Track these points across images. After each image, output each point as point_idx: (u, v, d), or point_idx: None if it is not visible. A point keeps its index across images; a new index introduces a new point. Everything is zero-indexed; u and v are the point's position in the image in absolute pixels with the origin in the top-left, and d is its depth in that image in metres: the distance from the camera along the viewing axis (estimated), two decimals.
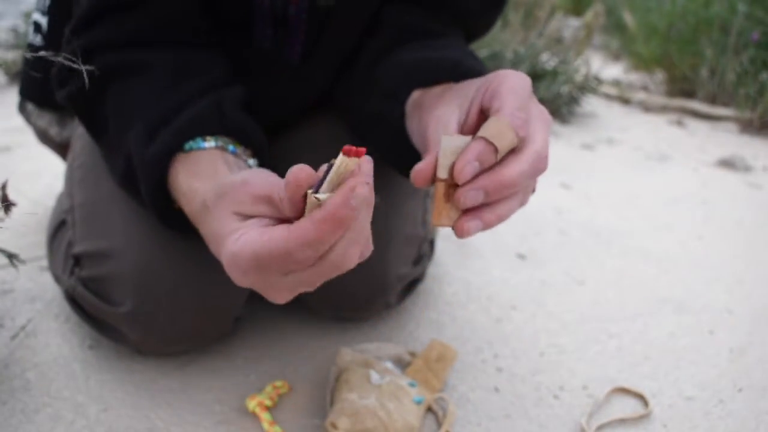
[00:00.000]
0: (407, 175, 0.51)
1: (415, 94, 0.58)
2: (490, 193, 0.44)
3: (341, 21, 0.66)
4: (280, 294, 0.43)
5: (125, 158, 0.56)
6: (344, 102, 0.71)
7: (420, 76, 0.59)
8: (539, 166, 0.45)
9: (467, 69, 0.57)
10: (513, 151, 0.45)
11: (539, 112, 0.48)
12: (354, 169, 0.37)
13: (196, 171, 0.52)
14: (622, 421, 0.67)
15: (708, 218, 1.28)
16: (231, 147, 0.55)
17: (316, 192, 0.38)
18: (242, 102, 0.60)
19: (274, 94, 0.70)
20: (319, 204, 0.37)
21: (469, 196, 0.44)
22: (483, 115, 0.48)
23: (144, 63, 0.57)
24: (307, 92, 0.72)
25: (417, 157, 0.53)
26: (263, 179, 0.44)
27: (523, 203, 0.48)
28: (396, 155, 0.61)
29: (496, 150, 0.43)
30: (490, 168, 0.44)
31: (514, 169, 0.44)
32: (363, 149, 0.37)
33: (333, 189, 0.37)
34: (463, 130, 0.49)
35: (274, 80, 0.70)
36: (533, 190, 0.49)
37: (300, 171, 0.38)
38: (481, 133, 0.44)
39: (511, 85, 0.47)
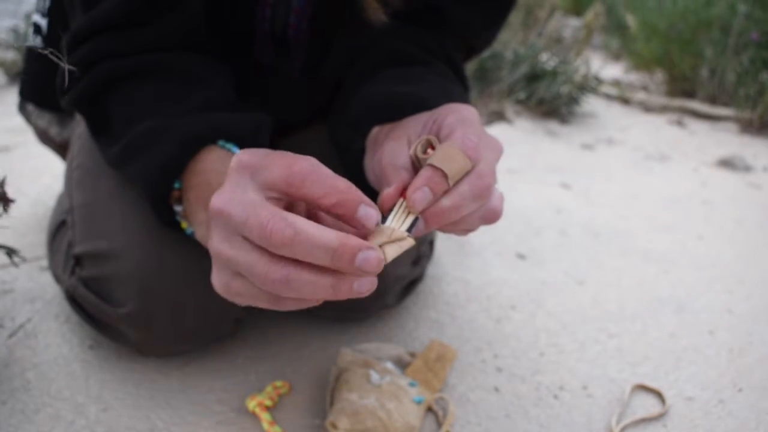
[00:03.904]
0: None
1: (374, 130, 0.58)
2: (430, 222, 0.44)
3: (345, 41, 0.67)
4: (218, 276, 0.42)
5: (138, 132, 0.55)
6: (330, 120, 0.71)
7: (382, 113, 0.58)
8: (480, 188, 0.44)
9: (431, 108, 0.56)
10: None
11: (489, 139, 0.48)
12: (417, 216, 0.42)
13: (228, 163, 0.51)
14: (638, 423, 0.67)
15: (708, 218, 1.28)
16: None
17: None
18: (270, 133, 0.60)
19: (273, 107, 0.70)
20: (375, 228, 0.39)
21: (416, 195, 0.42)
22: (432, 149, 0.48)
23: (153, 68, 0.57)
24: (307, 105, 0.73)
25: (372, 191, 0.54)
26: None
27: (486, 222, 0.48)
28: (359, 184, 0.61)
29: (445, 175, 0.42)
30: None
31: (454, 194, 0.44)
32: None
33: (397, 225, 0.42)
34: (414, 165, 0.48)
35: (274, 93, 0.70)
36: (496, 214, 0.48)
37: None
38: (430, 160, 0.43)
39: (458, 116, 0.47)
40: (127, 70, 0.57)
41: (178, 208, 0.55)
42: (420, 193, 0.42)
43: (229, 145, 0.54)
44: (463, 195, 0.44)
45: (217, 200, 0.39)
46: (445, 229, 0.48)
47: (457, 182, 0.44)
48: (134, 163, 0.55)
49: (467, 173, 0.44)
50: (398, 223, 0.42)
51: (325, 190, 0.37)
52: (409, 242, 0.41)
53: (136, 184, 0.56)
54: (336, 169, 0.64)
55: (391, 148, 0.49)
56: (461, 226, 0.48)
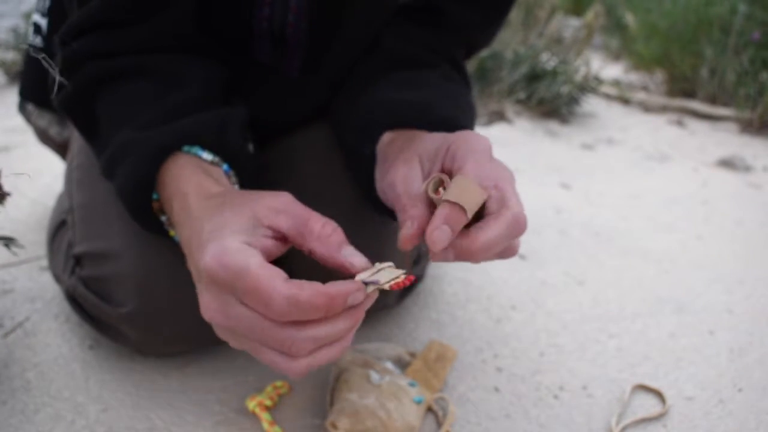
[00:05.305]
0: (372, 204, 0.55)
1: (385, 138, 0.58)
2: (464, 256, 0.44)
3: (344, 40, 0.67)
4: (222, 331, 0.44)
5: (114, 147, 0.55)
6: (332, 122, 0.71)
7: (390, 119, 0.58)
8: (517, 228, 0.45)
9: (437, 118, 0.56)
10: (491, 214, 0.45)
11: (503, 170, 0.48)
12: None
13: (191, 172, 0.52)
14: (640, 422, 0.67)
15: (708, 218, 1.28)
16: (226, 166, 0.55)
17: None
18: (244, 125, 0.60)
19: (272, 105, 0.70)
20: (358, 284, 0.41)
21: (435, 235, 0.43)
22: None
23: (137, 69, 0.57)
24: (306, 105, 0.73)
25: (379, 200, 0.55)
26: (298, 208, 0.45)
27: (503, 258, 0.48)
28: (366, 189, 0.61)
29: (463, 210, 0.42)
30: (467, 227, 0.44)
31: (490, 232, 0.44)
32: (411, 277, 0.41)
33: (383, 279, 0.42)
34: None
35: (272, 92, 0.70)
36: (515, 251, 0.49)
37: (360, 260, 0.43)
38: (446, 195, 0.43)
39: (471, 147, 0.47)
40: (111, 72, 0.57)
41: (164, 218, 0.55)
42: (439, 232, 0.42)
43: (194, 150, 0.54)
44: (500, 236, 0.44)
45: (205, 308, 0.42)
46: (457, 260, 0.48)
47: (490, 220, 0.44)
48: (113, 180, 0.56)
49: (485, 202, 0.45)
50: (384, 277, 0.42)
51: (316, 311, 0.39)
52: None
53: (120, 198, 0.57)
54: (341, 170, 0.63)
55: (404, 173, 0.49)
56: (476, 261, 0.47)
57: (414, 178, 0.48)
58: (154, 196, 0.54)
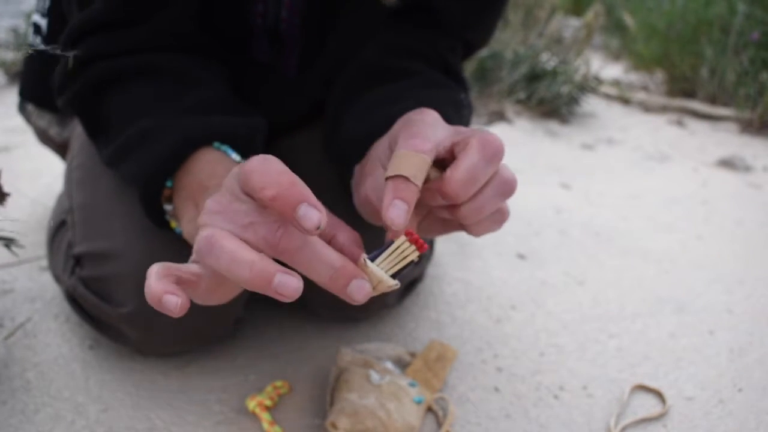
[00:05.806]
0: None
1: (357, 170, 0.57)
2: (451, 196, 0.41)
3: (339, 37, 0.67)
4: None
5: (130, 134, 0.54)
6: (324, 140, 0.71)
7: (368, 143, 0.56)
8: (491, 150, 0.42)
9: None
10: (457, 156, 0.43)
11: (454, 128, 0.46)
12: (413, 260, 0.38)
13: (226, 168, 0.51)
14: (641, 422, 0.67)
15: (708, 218, 1.28)
16: None
17: (372, 260, 0.38)
18: (265, 135, 0.60)
19: (272, 106, 0.70)
20: (365, 268, 0.38)
21: (391, 213, 0.39)
22: None
23: (138, 69, 0.57)
24: (304, 103, 0.73)
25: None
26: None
27: (498, 221, 0.46)
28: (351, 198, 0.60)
29: (407, 179, 0.40)
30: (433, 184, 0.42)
31: (464, 162, 0.41)
32: (425, 245, 0.38)
33: (387, 267, 0.38)
34: None
35: (272, 92, 0.70)
36: (505, 213, 0.47)
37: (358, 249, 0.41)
38: (386, 174, 0.41)
39: (408, 121, 0.45)
40: (119, 71, 0.57)
41: (168, 207, 0.55)
42: (393, 209, 0.40)
43: (224, 147, 0.54)
44: (474, 163, 0.41)
45: (213, 204, 0.39)
46: (472, 228, 0.46)
47: (460, 153, 0.42)
48: (128, 161, 0.55)
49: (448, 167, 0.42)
50: (388, 264, 0.38)
51: (265, 183, 0.35)
52: (394, 287, 0.39)
53: (128, 182, 0.57)
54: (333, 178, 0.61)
55: (372, 184, 0.48)
56: (483, 211, 0.44)
57: (382, 184, 0.47)
58: (168, 184, 0.54)
